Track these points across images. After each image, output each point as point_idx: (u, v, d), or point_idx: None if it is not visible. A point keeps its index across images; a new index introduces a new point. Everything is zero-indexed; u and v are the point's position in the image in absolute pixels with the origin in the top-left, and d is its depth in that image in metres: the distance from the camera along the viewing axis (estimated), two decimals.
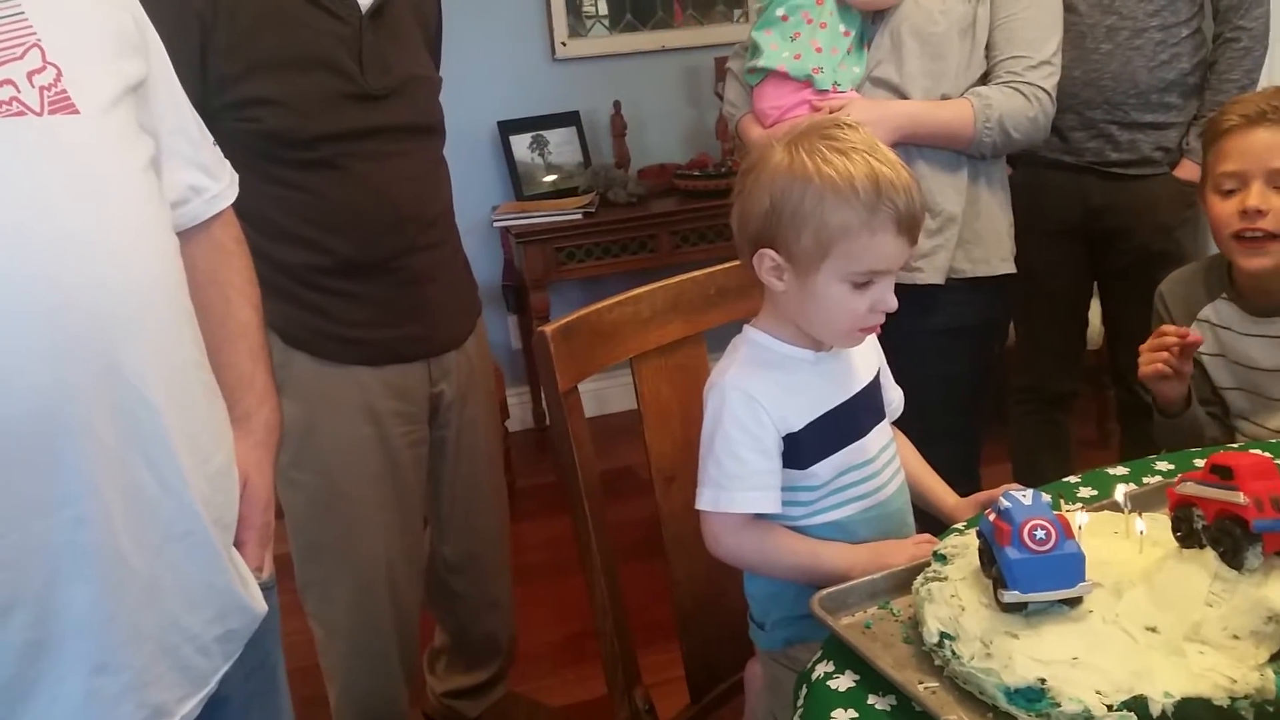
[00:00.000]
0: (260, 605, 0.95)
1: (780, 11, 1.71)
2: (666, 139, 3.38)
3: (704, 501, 1.13)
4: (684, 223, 3.04)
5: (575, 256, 3.01)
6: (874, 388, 1.21)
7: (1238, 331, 1.50)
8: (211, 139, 1.08)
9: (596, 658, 2.23)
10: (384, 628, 1.73)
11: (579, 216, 2.98)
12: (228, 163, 1.11)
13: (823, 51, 1.68)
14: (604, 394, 3.31)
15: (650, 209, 3.06)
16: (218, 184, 1.07)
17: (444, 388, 1.72)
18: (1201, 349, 1.52)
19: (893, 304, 1.09)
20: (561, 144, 3.26)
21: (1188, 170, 1.97)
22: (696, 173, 3.13)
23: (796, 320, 1.13)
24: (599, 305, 1.26)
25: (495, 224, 3.11)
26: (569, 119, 3.26)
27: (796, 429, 1.12)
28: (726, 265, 1.37)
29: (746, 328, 1.18)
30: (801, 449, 1.13)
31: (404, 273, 1.62)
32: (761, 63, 1.73)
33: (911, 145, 1.66)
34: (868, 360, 1.21)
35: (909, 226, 1.07)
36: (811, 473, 1.14)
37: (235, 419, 1.00)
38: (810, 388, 1.14)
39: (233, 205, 1.11)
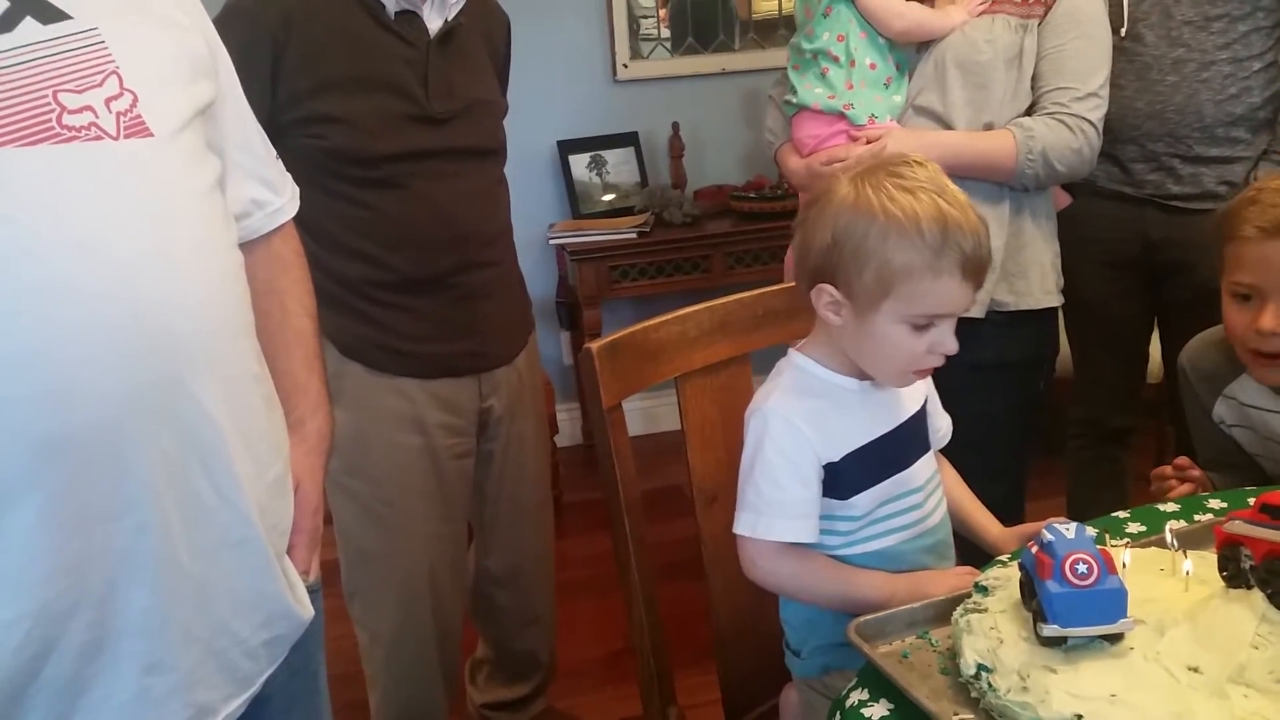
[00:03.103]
0: (307, 611, 0.97)
1: (809, 50, 1.72)
2: (724, 161, 3.40)
3: (742, 526, 1.13)
4: (738, 244, 3.05)
5: (629, 275, 3.04)
6: (920, 417, 1.19)
7: (1265, 409, 1.44)
8: (275, 154, 1.12)
9: (636, 676, 2.24)
10: (426, 636, 1.75)
11: (634, 235, 3.01)
12: (289, 176, 1.14)
13: (854, 89, 1.68)
14: (654, 412, 3.32)
15: (705, 230, 3.07)
16: (280, 198, 1.11)
17: (493, 402, 1.74)
18: (1228, 420, 1.49)
19: (953, 347, 1.07)
20: (619, 164, 3.29)
21: None
22: (753, 194, 3.14)
23: (851, 355, 1.12)
24: (646, 324, 1.27)
25: (551, 242, 3.14)
26: (628, 139, 3.29)
27: (837, 459, 1.11)
28: (775, 287, 1.38)
29: (792, 352, 1.18)
30: (842, 479, 1.12)
31: (460, 289, 1.65)
32: (795, 100, 1.74)
33: (952, 177, 1.65)
34: (915, 390, 1.20)
35: (974, 271, 1.05)
36: (852, 503, 1.13)
37: (289, 425, 1.02)
38: (854, 418, 1.13)
39: (296, 219, 1.15)
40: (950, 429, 1.25)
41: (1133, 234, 2.03)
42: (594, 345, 1.21)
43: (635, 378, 1.25)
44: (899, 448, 1.15)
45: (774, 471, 1.10)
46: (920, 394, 1.21)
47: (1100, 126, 1.70)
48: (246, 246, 1.02)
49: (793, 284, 1.42)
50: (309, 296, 1.14)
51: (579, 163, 3.26)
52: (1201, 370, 1.53)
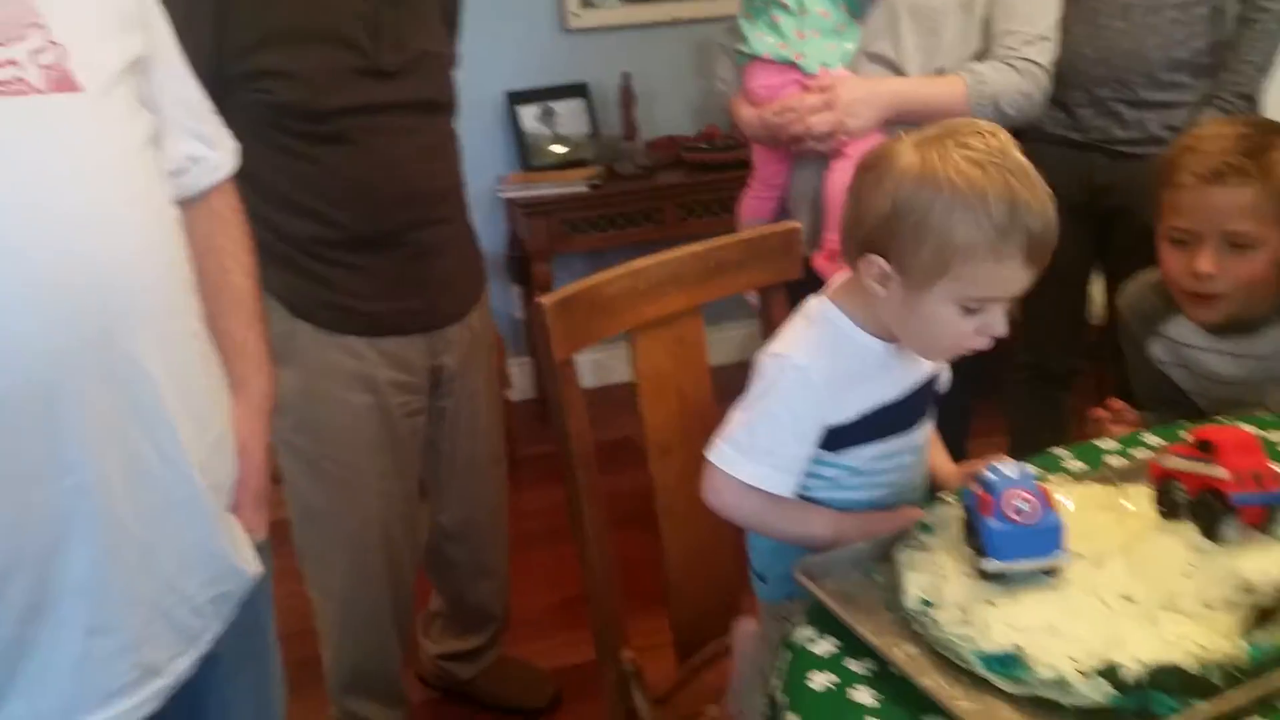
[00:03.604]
0: (254, 568, 0.97)
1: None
2: (675, 111, 3.37)
3: (720, 456, 1.09)
4: (691, 195, 3.04)
5: (580, 228, 3.02)
6: (931, 383, 1.17)
7: (1198, 347, 1.48)
8: (212, 108, 1.09)
9: (589, 623, 2.27)
10: (379, 593, 1.75)
11: (585, 189, 2.98)
12: (227, 132, 1.12)
13: (805, 38, 1.67)
14: (607, 364, 3.32)
15: (657, 181, 3.06)
16: (217, 154, 1.08)
17: (445, 360, 1.73)
18: (1164, 359, 1.52)
19: (1002, 330, 1.03)
20: (570, 115, 3.26)
21: None
22: (705, 145, 3.13)
23: (890, 326, 1.07)
24: (597, 278, 1.27)
25: (501, 195, 3.11)
26: (578, 90, 3.25)
27: (844, 422, 1.09)
28: (727, 239, 1.38)
29: (826, 300, 1.11)
30: (843, 436, 1.10)
31: (411, 247, 1.64)
32: (747, 49, 1.73)
33: (904, 123, 1.66)
34: None
35: (1040, 255, 0.99)
36: (845, 455, 1.12)
37: (232, 385, 1.01)
38: (874, 382, 1.10)
39: (243, 175, 1.13)
40: (950, 380, 1.23)
41: (1078, 179, 2.06)
42: (545, 300, 1.21)
43: (587, 332, 1.25)
44: (907, 411, 1.13)
45: (774, 422, 1.07)
46: None
47: (1050, 70, 1.71)
48: (184, 204, 1.00)
49: (745, 235, 1.43)
50: (249, 255, 1.12)
51: (528, 114, 3.22)
52: (1139, 311, 1.56)
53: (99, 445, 0.80)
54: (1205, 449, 0.89)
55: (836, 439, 1.10)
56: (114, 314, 0.81)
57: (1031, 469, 0.94)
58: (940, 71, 1.68)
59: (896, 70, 1.68)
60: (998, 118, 1.67)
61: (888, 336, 1.09)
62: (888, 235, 1.00)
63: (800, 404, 1.07)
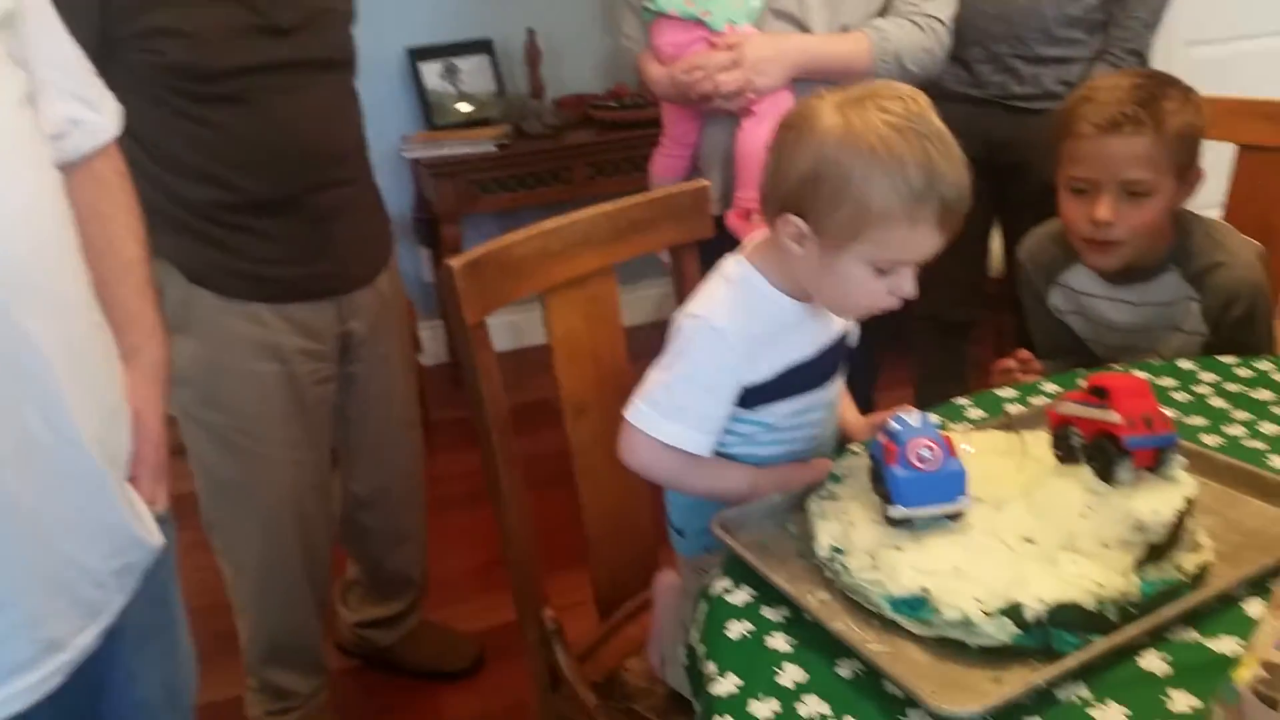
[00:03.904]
0: (156, 539, 0.94)
1: None
2: (583, 69, 3.33)
3: (639, 416, 1.10)
4: (600, 154, 3.02)
5: (489, 189, 2.97)
6: (844, 337, 1.19)
7: (1095, 295, 1.54)
8: (93, 70, 1.05)
9: (507, 585, 2.28)
10: (294, 564, 1.73)
11: (493, 148, 2.93)
12: (110, 94, 1.07)
13: None
14: (523, 326, 3.30)
15: (566, 140, 3.02)
16: (99, 116, 1.04)
17: (354, 325, 1.70)
18: (1062, 308, 1.58)
19: (912, 291, 1.05)
20: (474, 72, 3.19)
21: None
22: (614, 104, 3.10)
23: (806, 286, 1.09)
24: (507, 239, 1.25)
25: (405, 155, 3.04)
26: (482, 46, 3.18)
27: (760, 381, 1.11)
28: (638, 198, 1.37)
29: (741, 260, 1.12)
30: (758, 394, 1.12)
31: (313, 210, 1.59)
32: (652, 6, 1.72)
33: (809, 80, 1.67)
34: None
35: (952, 221, 1.01)
36: (761, 411, 1.13)
37: (123, 355, 0.98)
38: (787, 341, 1.12)
39: (136, 138, 1.07)
40: (858, 335, 1.25)
41: (977, 135, 2.08)
42: (454, 263, 1.19)
43: (498, 294, 1.24)
44: (820, 367, 1.15)
45: (691, 382, 1.08)
46: None
47: (951, 25, 1.74)
48: (65, 169, 0.96)
49: (655, 194, 1.43)
50: (137, 220, 1.08)
51: (431, 71, 3.14)
52: (1038, 261, 1.61)
53: None
54: (1100, 395, 0.93)
55: (752, 396, 1.12)
56: None
57: (934, 418, 0.97)
58: (845, 28, 1.69)
59: (801, 27, 1.69)
60: (900, 73, 1.70)
61: (802, 296, 1.10)
62: (807, 196, 1.01)
63: (718, 364, 1.08)
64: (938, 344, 2.32)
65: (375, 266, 1.74)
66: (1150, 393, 0.93)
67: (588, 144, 3.01)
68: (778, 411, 1.14)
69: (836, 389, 1.20)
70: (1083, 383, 0.99)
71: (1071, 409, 0.97)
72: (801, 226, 1.02)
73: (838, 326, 1.17)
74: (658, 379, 1.10)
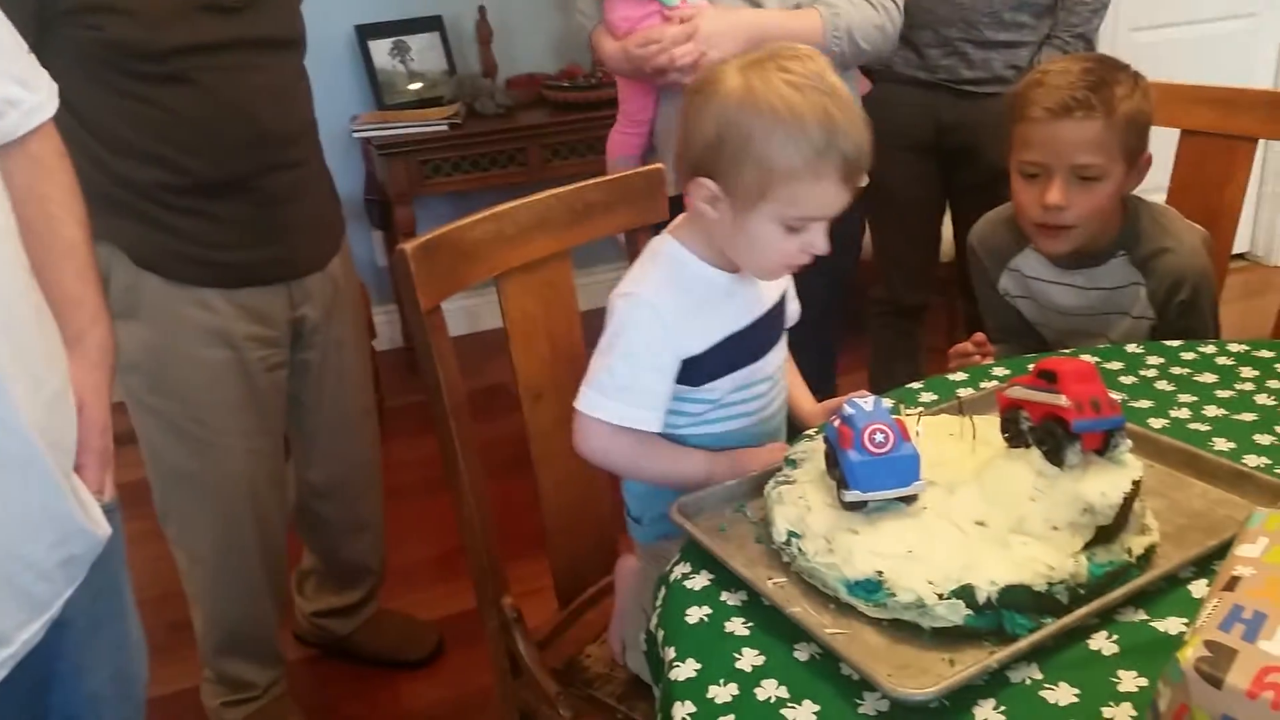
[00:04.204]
0: (103, 529, 0.93)
1: None
2: (535, 47, 3.30)
3: (586, 403, 1.11)
4: (555, 136, 3.00)
5: (441, 170, 2.95)
6: (779, 308, 1.21)
7: (1044, 280, 1.56)
8: (26, 48, 1.02)
9: (467, 572, 2.27)
10: (249, 554, 1.71)
11: (444, 128, 2.90)
12: (45, 73, 1.04)
13: None
14: (478, 310, 3.28)
15: (519, 121, 3.00)
16: (35, 96, 1.01)
17: (306, 311, 1.68)
18: (1012, 292, 1.60)
19: (823, 248, 1.07)
20: (424, 50, 3.15)
21: None
22: (566, 84, 3.08)
23: (723, 248, 1.11)
24: (461, 222, 1.24)
25: (356, 135, 3.00)
26: (432, 24, 3.14)
27: (696, 353, 1.12)
28: (593, 181, 1.37)
29: (667, 237, 1.15)
30: (700, 368, 1.13)
31: (263, 192, 1.56)
32: None
33: None
34: (778, 281, 1.21)
35: (854, 175, 1.03)
36: (704, 389, 1.15)
37: (66, 340, 0.96)
38: (720, 311, 1.13)
39: (78, 118, 1.04)
40: (799, 311, 1.27)
41: (927, 118, 2.13)
42: (407, 246, 1.17)
43: (453, 278, 1.23)
44: (757, 338, 1.17)
45: (632, 360, 1.10)
46: (781, 284, 1.22)
47: (901, 3, 1.75)
48: (1, 151, 0.93)
49: (610, 178, 1.43)
50: (77, 202, 1.05)
51: (380, 49, 3.10)
52: (989, 246, 1.63)
53: None
54: (1048, 379, 0.95)
55: (694, 373, 1.13)
56: None
57: (887, 402, 0.98)
58: (798, 4, 1.70)
59: (754, 2, 1.69)
60: (853, 51, 1.71)
61: (729, 266, 1.13)
62: (714, 158, 1.03)
63: (654, 339, 1.10)
64: (892, 327, 2.34)
65: (327, 251, 1.71)
66: (1098, 377, 0.95)
67: (542, 125, 2.99)
68: (721, 387, 1.15)
69: (777, 360, 1.22)
70: (1031, 367, 1.01)
71: (1020, 393, 0.98)
72: (713, 189, 1.05)
73: (772, 297, 1.19)
74: (599, 363, 1.12)
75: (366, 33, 3.08)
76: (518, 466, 1.37)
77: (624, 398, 1.10)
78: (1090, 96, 1.37)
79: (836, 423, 0.98)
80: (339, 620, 2.02)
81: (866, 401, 0.97)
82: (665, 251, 1.14)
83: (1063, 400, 0.92)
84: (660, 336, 1.10)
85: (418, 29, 3.13)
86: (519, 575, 1.38)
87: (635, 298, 1.11)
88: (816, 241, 1.07)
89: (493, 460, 1.39)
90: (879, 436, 0.94)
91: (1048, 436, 0.94)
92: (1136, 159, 1.43)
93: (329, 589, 2.00)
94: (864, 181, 1.06)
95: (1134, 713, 0.76)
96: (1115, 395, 1.00)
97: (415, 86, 3.13)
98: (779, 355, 1.22)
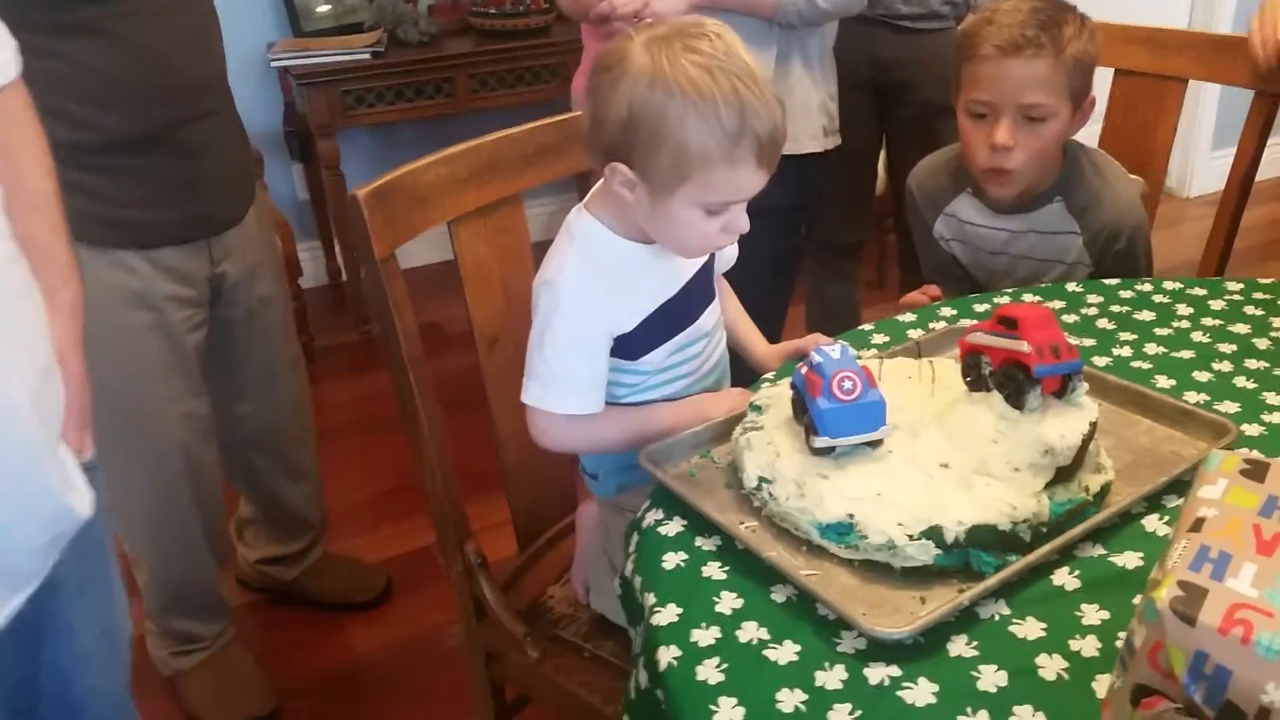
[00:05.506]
0: (85, 510, 0.90)
1: None
2: None
3: (530, 397, 1.13)
4: (483, 65, 2.92)
5: (365, 100, 2.85)
6: (706, 269, 1.20)
7: (978, 225, 1.58)
8: None
9: (410, 512, 2.26)
10: (188, 515, 1.68)
11: (367, 56, 2.80)
12: (3, 27, 0.99)
13: None
14: (406, 249, 3.20)
15: (445, 50, 2.91)
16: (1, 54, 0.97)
17: (226, 267, 1.62)
18: (946, 235, 1.63)
19: (744, 227, 1.07)
20: None
21: None
22: (493, 11, 2.99)
23: (644, 228, 1.10)
24: (413, 166, 1.21)
25: (274, 63, 2.87)
26: None
27: (628, 330, 1.12)
28: (545, 122, 1.34)
29: (583, 212, 1.13)
30: (633, 343, 1.13)
31: (180, 146, 1.50)
32: None
33: (716, 13, 1.64)
34: None
35: (770, 158, 1.03)
36: (642, 361, 1.15)
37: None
38: (644, 285, 1.13)
39: None
40: (736, 254, 1.27)
41: (863, 54, 2.12)
42: (359, 193, 1.14)
43: (406, 224, 1.20)
44: (687, 304, 1.17)
45: (562, 347, 1.09)
46: None
47: None
48: None
49: (560, 118, 1.40)
50: (46, 155, 1.01)
51: None
52: (926, 190, 1.65)
53: None
54: (1009, 325, 0.97)
55: (630, 348, 1.13)
56: None
57: (853, 350, 1.00)
58: None
59: None
60: (810, 10, 1.68)
61: (647, 239, 1.12)
62: (629, 142, 1.01)
63: (582, 325, 1.09)
64: (829, 265, 2.37)
65: (243, 203, 1.66)
66: (1056, 323, 0.98)
67: (469, 54, 2.91)
68: (658, 357, 1.16)
69: (712, 317, 1.22)
70: (979, 307, 1.03)
71: (981, 339, 1.01)
72: (629, 174, 1.03)
73: (696, 261, 1.18)
74: (534, 356, 1.12)
75: None
76: (461, 405, 1.37)
77: (562, 386, 1.11)
78: (1040, 35, 1.38)
79: (804, 370, 0.99)
80: (283, 567, 2.00)
81: (834, 349, 0.98)
82: (581, 231, 1.12)
83: (1024, 346, 0.95)
84: (585, 321, 1.09)
85: None
86: (475, 512, 1.36)
87: (554, 286, 1.09)
88: (738, 222, 1.06)
89: (439, 400, 1.38)
90: (847, 384, 0.96)
91: (1008, 381, 0.97)
92: (1081, 101, 1.45)
93: (271, 538, 1.98)
94: (775, 163, 1.04)
95: (1099, 644, 0.80)
96: (1073, 340, 1.03)
97: (329, 9, 3.00)
98: (712, 314, 1.22)
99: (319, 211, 3.21)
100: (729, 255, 1.27)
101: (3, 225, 0.83)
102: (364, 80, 2.82)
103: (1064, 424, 0.94)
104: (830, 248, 2.35)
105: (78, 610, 0.93)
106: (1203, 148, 3.79)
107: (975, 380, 1.01)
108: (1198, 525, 0.70)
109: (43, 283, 0.93)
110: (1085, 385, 0.98)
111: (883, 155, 2.35)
